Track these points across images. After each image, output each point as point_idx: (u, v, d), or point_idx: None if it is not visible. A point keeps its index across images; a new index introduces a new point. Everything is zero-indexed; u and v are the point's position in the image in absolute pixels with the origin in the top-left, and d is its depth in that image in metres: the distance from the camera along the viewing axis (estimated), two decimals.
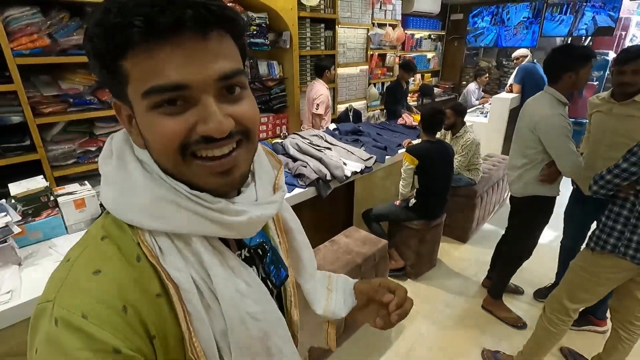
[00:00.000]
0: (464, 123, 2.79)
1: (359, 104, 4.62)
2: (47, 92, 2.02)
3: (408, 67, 4.03)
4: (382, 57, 5.18)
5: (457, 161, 2.73)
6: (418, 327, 2.15)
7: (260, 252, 0.55)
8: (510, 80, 4.42)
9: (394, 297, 0.60)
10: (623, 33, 5.09)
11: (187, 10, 0.35)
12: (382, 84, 5.23)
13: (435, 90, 6.33)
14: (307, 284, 0.64)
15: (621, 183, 1.35)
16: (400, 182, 2.43)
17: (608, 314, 1.82)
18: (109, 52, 0.37)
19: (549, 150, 1.78)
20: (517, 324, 2.14)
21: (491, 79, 6.14)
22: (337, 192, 2.27)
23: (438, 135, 2.83)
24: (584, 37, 5.15)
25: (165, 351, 0.41)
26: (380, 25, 4.72)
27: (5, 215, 1.26)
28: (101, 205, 1.56)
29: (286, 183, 1.74)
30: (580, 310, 1.61)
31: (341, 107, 4.11)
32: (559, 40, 5.35)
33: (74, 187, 1.54)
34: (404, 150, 2.55)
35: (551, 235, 3.02)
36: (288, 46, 3.38)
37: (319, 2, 3.54)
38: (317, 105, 3.27)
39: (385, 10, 4.74)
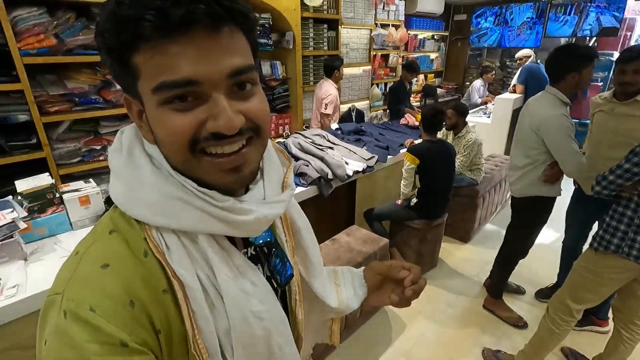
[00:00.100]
0: (465, 123, 2.79)
1: (361, 104, 4.63)
2: (53, 91, 2.05)
3: (411, 67, 4.04)
4: (385, 57, 5.18)
5: (459, 161, 2.73)
6: (419, 327, 2.15)
7: (266, 251, 0.55)
8: (514, 81, 4.42)
9: (410, 273, 0.63)
10: (628, 34, 5.05)
11: (199, 5, 0.35)
12: (385, 84, 5.24)
13: (439, 90, 6.31)
14: (316, 281, 0.63)
15: (624, 183, 1.35)
16: (402, 182, 2.44)
17: (610, 314, 1.82)
18: (120, 46, 0.37)
19: (552, 151, 1.77)
20: (518, 323, 2.14)
21: (495, 80, 6.12)
22: (339, 191, 2.28)
23: (440, 135, 2.84)
24: (588, 38, 5.12)
25: (169, 346, 0.42)
26: (383, 26, 4.73)
27: (12, 212, 1.28)
28: (108, 200, 1.58)
29: None
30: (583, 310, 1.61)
31: (344, 107, 4.12)
32: (563, 41, 5.32)
33: (78, 184, 1.56)
34: (405, 150, 2.56)
35: (553, 235, 3.01)
36: (291, 46, 3.40)
37: (322, 2, 3.56)
38: (326, 105, 3.28)
39: (389, 11, 4.75)
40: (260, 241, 0.54)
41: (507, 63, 6.35)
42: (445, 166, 2.38)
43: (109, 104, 2.26)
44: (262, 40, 3.14)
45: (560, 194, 1.91)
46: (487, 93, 5.25)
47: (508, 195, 3.59)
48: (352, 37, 4.26)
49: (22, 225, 1.25)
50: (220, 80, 0.39)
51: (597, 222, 2.05)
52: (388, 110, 4.47)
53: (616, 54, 4.90)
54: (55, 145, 2.14)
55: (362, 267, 0.74)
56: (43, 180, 1.49)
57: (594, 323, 2.08)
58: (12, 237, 1.21)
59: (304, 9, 3.42)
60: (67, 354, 0.35)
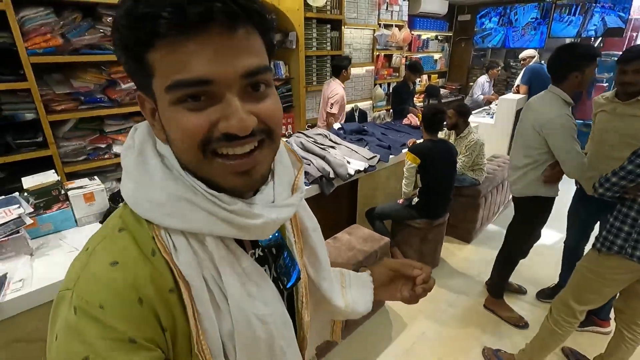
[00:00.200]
0: (467, 124, 2.79)
1: (364, 104, 4.64)
2: (59, 90, 2.08)
3: (414, 68, 4.04)
4: (388, 57, 5.19)
5: (460, 161, 2.74)
6: (419, 326, 2.16)
7: (274, 251, 0.55)
8: (517, 81, 4.40)
9: (422, 272, 0.65)
10: (634, 34, 5.02)
11: (216, 3, 0.35)
12: (388, 84, 5.24)
13: (442, 91, 6.30)
14: (324, 282, 0.63)
15: (627, 185, 1.35)
16: (403, 181, 2.44)
17: (611, 315, 1.81)
18: (135, 43, 0.37)
19: (554, 151, 1.77)
20: (519, 323, 2.13)
21: (499, 80, 6.10)
22: (340, 191, 2.29)
23: (442, 135, 2.84)
24: (593, 38, 5.09)
25: (174, 345, 0.42)
26: (387, 26, 4.73)
27: (18, 207, 1.31)
28: (112, 197, 1.60)
29: None
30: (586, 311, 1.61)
31: (347, 107, 4.13)
32: (567, 42, 5.30)
33: (83, 181, 1.58)
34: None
35: (554, 235, 3.00)
36: (294, 46, 3.42)
37: (325, 2, 3.57)
38: (332, 104, 3.29)
39: (392, 11, 4.75)
40: (269, 242, 0.53)
41: (511, 63, 6.32)
42: (446, 166, 2.38)
43: (114, 102, 2.29)
44: None
45: (557, 194, 1.91)
46: (492, 91, 5.22)
47: (510, 195, 3.58)
48: (355, 38, 4.27)
49: (28, 221, 1.28)
50: (234, 80, 0.38)
51: (598, 223, 2.05)
52: (391, 111, 4.47)
53: None
54: (61, 143, 2.17)
55: (368, 272, 0.74)
56: (49, 177, 1.51)
57: (595, 324, 2.07)
58: (18, 232, 1.23)
59: (307, 9, 3.44)
60: (77, 349, 0.36)
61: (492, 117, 4.24)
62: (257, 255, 0.53)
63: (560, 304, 1.63)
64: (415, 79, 4.16)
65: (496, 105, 4.26)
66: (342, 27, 3.91)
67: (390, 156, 2.61)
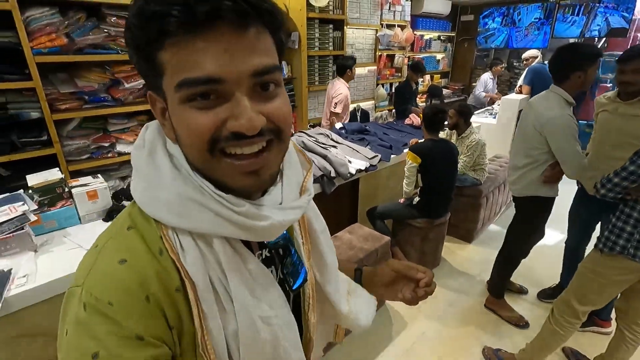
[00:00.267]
0: (469, 124, 2.79)
1: (367, 104, 4.64)
2: (63, 89, 2.11)
3: (417, 68, 4.05)
4: (391, 57, 5.19)
5: (462, 161, 2.74)
6: (420, 325, 2.16)
7: (281, 252, 0.55)
8: (520, 82, 4.39)
9: (425, 276, 0.65)
10: (638, 34, 4.99)
11: (225, 2, 0.35)
12: (391, 84, 5.24)
13: (445, 91, 6.30)
14: (330, 286, 0.62)
15: (629, 185, 1.35)
16: (404, 180, 2.45)
17: (613, 315, 1.81)
18: (146, 42, 0.37)
19: (555, 152, 1.77)
20: (520, 323, 2.13)
21: (502, 81, 6.09)
22: (342, 190, 2.30)
23: (444, 135, 2.85)
24: (596, 39, 5.07)
25: (180, 343, 0.43)
26: (389, 26, 4.74)
27: (23, 204, 1.32)
28: (115, 195, 1.62)
29: None
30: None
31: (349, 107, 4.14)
32: (571, 42, 5.28)
33: (87, 179, 1.60)
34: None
35: (556, 235, 2.99)
36: (296, 46, 3.42)
37: (328, 3, 3.58)
38: (335, 104, 3.30)
39: (394, 11, 4.75)
40: (275, 243, 0.54)
41: (515, 64, 6.31)
42: (447, 165, 2.39)
43: (117, 102, 2.31)
44: None
45: (557, 194, 1.91)
46: (496, 89, 5.18)
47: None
48: (357, 38, 4.27)
49: (33, 217, 1.29)
50: (243, 79, 0.38)
51: (599, 223, 2.04)
52: (394, 110, 4.48)
53: None
54: (65, 142, 2.19)
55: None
56: (53, 175, 1.53)
57: (596, 324, 2.07)
58: (22, 229, 1.25)
59: (309, 9, 3.44)
60: (87, 344, 0.37)
61: (494, 118, 4.23)
62: (264, 256, 0.53)
63: (562, 304, 1.62)
64: (417, 79, 4.16)
65: (499, 105, 4.25)
66: (345, 27, 3.92)
67: (392, 156, 2.62)
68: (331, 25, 3.78)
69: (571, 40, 5.25)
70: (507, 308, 2.21)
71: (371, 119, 4.44)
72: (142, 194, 0.44)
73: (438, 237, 2.58)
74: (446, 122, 2.51)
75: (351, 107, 4.02)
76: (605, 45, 5.11)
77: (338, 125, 3.10)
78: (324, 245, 0.61)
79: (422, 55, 6.04)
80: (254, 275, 0.47)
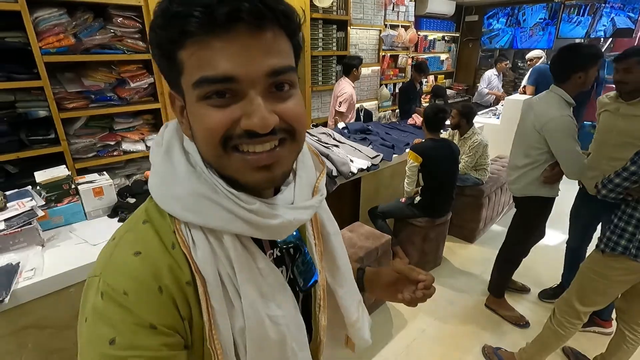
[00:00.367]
0: (471, 125, 2.79)
1: (370, 105, 4.65)
2: (71, 89, 2.15)
3: (420, 68, 4.05)
4: (394, 58, 5.19)
5: (463, 161, 2.74)
6: (420, 323, 2.17)
7: (292, 252, 0.55)
8: (524, 82, 4.37)
9: (426, 279, 0.65)
10: None
11: (244, 3, 0.36)
12: (394, 84, 5.25)
13: (449, 91, 6.28)
14: (341, 289, 0.62)
15: (630, 186, 1.35)
16: (405, 180, 2.46)
17: (613, 315, 1.81)
18: (168, 42, 0.39)
19: (554, 152, 1.77)
20: (520, 322, 2.14)
21: (506, 81, 6.06)
22: (343, 189, 2.32)
23: (447, 135, 2.85)
24: (602, 39, 5.04)
25: (190, 334, 0.44)
26: (393, 27, 4.74)
27: (31, 200, 1.36)
28: (120, 192, 1.66)
29: None
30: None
31: None
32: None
33: (93, 176, 1.64)
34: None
35: (557, 236, 2.99)
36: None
37: (332, 3, 3.60)
38: (340, 103, 3.31)
39: (398, 12, 4.75)
40: (287, 243, 0.54)
41: (519, 64, 6.28)
42: (448, 165, 2.40)
43: (123, 101, 2.35)
44: None
45: (557, 194, 1.91)
46: (501, 87, 5.14)
47: None
48: (361, 38, 4.29)
49: (40, 213, 1.33)
50: (258, 78, 0.39)
51: (600, 223, 2.04)
52: (398, 110, 4.49)
53: None
54: (72, 140, 2.23)
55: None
56: (60, 171, 1.56)
57: (597, 324, 2.06)
58: (30, 224, 1.28)
59: (313, 9, 3.47)
60: (105, 331, 0.39)
61: (498, 118, 4.22)
62: (275, 256, 0.54)
63: (564, 305, 1.62)
64: (420, 79, 4.17)
65: (502, 105, 4.24)
66: (348, 27, 3.94)
67: (394, 155, 2.63)
68: (335, 26, 3.80)
69: (577, 41, 5.22)
70: (507, 307, 2.22)
71: (374, 119, 4.46)
72: (158, 189, 0.46)
73: (439, 236, 2.59)
74: (447, 122, 2.51)
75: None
76: (612, 45, 5.07)
77: (341, 125, 3.12)
78: (336, 248, 0.62)
79: (426, 56, 6.03)
80: (263, 273, 0.47)
